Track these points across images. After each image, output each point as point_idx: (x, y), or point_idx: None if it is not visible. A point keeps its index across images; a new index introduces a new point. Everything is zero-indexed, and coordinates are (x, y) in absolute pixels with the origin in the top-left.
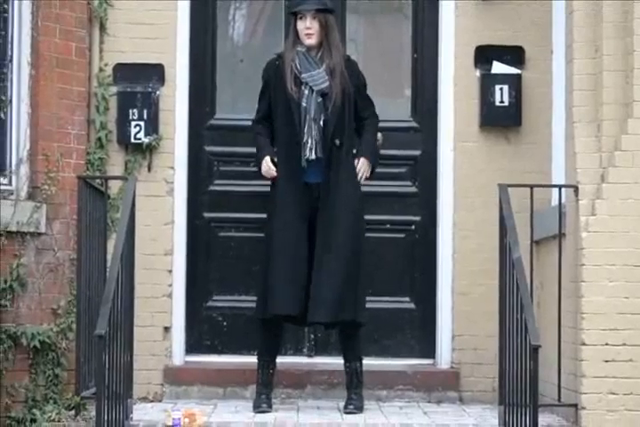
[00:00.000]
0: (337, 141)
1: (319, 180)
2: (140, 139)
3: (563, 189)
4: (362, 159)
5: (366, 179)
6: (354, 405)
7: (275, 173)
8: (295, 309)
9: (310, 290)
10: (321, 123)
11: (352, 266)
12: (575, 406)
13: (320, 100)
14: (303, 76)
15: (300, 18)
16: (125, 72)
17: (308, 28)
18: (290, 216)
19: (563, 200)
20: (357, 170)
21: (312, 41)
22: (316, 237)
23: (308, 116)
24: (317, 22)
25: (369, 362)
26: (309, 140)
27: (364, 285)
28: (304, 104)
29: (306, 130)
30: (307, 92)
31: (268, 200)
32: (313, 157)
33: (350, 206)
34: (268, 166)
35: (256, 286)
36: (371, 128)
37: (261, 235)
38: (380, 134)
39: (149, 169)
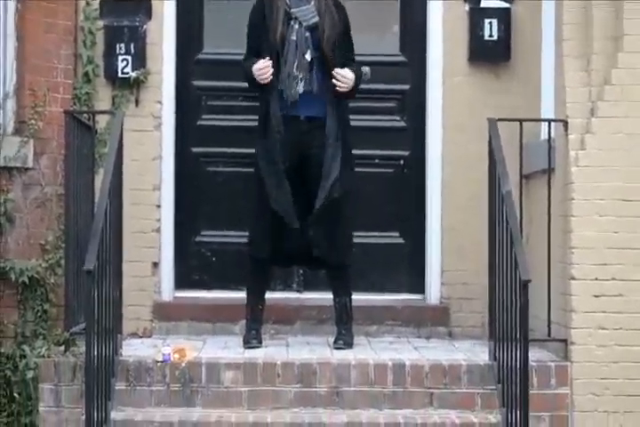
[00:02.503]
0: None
1: (308, 113)
2: (127, 73)
3: (552, 124)
4: (346, 69)
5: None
6: (343, 340)
7: (270, 64)
8: (295, 221)
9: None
10: (307, 57)
11: (342, 207)
12: (565, 341)
13: (307, 34)
14: (293, 10)
15: None
16: (112, 6)
17: None
18: (278, 152)
19: (552, 135)
20: (337, 73)
21: None
22: (307, 173)
23: (298, 51)
24: None
25: (358, 297)
26: (299, 74)
27: (352, 225)
28: (293, 38)
29: (296, 64)
30: (296, 26)
31: (256, 133)
32: (301, 90)
33: (340, 145)
34: (261, 63)
35: (248, 224)
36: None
37: (250, 170)
38: (367, 68)
39: (137, 104)
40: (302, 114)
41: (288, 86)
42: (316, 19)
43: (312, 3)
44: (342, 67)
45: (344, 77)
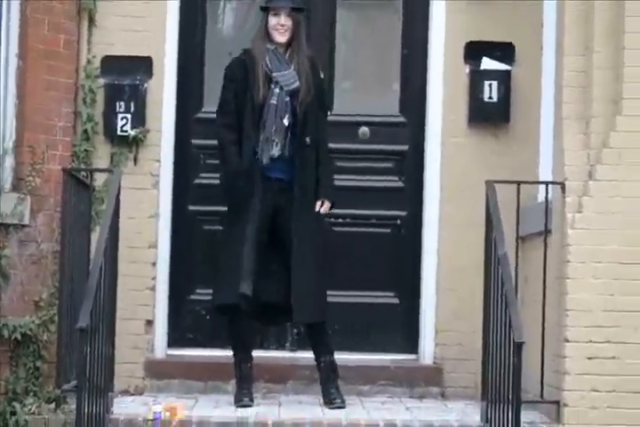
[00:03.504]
0: (307, 140)
1: (282, 176)
2: (126, 131)
3: (550, 186)
4: (325, 202)
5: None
6: (340, 399)
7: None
8: (233, 298)
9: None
10: (285, 121)
11: (319, 264)
12: (557, 402)
13: (287, 99)
14: (274, 75)
15: (275, 14)
16: (113, 64)
17: (282, 26)
18: (248, 213)
19: (549, 197)
20: (318, 210)
21: (284, 38)
22: (281, 235)
23: (277, 116)
24: (291, 20)
25: (351, 357)
26: (276, 138)
27: (327, 283)
28: (274, 102)
29: (274, 128)
30: (277, 90)
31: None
32: (277, 154)
33: (313, 207)
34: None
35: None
36: (325, 165)
37: None
38: (366, 128)
39: (135, 162)
40: (273, 176)
41: (264, 150)
42: (298, 84)
43: (292, 67)
44: (315, 136)
45: (321, 210)
